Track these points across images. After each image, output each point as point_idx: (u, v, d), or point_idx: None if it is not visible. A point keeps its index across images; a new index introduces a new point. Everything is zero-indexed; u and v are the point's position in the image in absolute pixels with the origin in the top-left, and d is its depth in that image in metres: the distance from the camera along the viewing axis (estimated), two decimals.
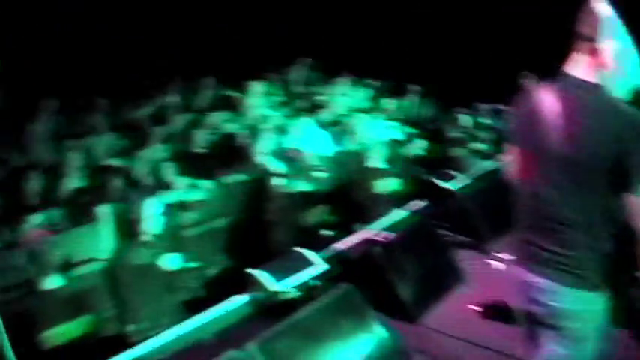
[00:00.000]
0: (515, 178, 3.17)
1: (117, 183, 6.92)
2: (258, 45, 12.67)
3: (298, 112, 10.08)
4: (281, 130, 8.93)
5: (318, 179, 7.95)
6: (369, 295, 4.87)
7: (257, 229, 7.15)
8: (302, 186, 7.73)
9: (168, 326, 5.40)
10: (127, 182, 7.09)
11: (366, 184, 8.32)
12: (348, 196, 8.06)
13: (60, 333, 4.95)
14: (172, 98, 9.59)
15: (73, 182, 6.87)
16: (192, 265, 6.26)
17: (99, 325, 5.23)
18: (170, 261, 5.94)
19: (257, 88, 10.57)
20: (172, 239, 6.40)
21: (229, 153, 8.43)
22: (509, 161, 3.20)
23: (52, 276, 5.37)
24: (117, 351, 4.95)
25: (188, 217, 6.85)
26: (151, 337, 5.25)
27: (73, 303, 5.21)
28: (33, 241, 5.51)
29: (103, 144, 8.01)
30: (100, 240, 5.97)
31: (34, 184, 6.53)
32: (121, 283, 5.55)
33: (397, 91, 12.15)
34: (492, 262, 6.63)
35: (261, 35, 12.98)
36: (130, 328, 5.42)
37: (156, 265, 5.86)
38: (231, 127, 9.07)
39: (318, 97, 11.31)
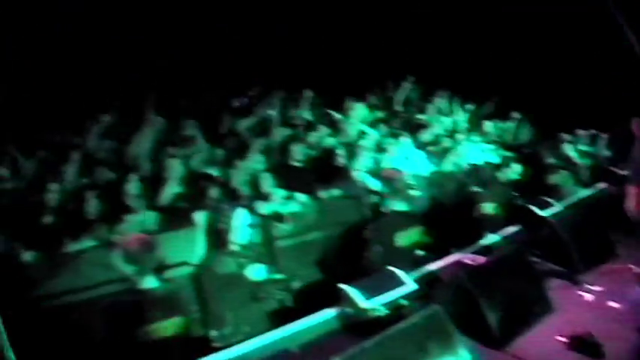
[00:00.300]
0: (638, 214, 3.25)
1: (213, 192, 7.04)
2: (360, 62, 12.71)
3: (398, 132, 10.06)
4: (380, 149, 8.94)
5: (414, 199, 7.91)
6: (457, 317, 4.80)
7: (351, 245, 7.16)
8: (398, 205, 7.71)
9: (252, 334, 5.48)
10: (224, 191, 7.21)
11: (462, 206, 8.24)
12: (442, 218, 7.99)
13: (153, 330, 5.07)
14: (273, 111, 9.69)
15: (171, 188, 7.04)
16: (279, 276, 6.30)
17: (187, 327, 5.32)
18: (256, 272, 6.00)
19: (358, 105, 10.60)
20: (265, 250, 6.48)
21: (327, 168, 8.48)
22: (633, 199, 3.26)
23: (146, 276, 5.51)
24: (202, 354, 5.04)
25: (282, 228, 6.92)
26: (233, 343, 5.33)
27: (164, 303, 5.33)
28: (129, 242, 5.66)
29: (203, 153, 8.16)
30: (193, 245, 6.10)
31: (133, 188, 6.71)
32: (207, 290, 5.64)
33: (496, 115, 12.04)
34: (583, 293, 6.48)
35: (364, 53, 13.02)
36: (213, 333, 5.49)
37: (241, 274, 5.93)
38: (330, 143, 9.12)
39: (418, 117, 11.29)
